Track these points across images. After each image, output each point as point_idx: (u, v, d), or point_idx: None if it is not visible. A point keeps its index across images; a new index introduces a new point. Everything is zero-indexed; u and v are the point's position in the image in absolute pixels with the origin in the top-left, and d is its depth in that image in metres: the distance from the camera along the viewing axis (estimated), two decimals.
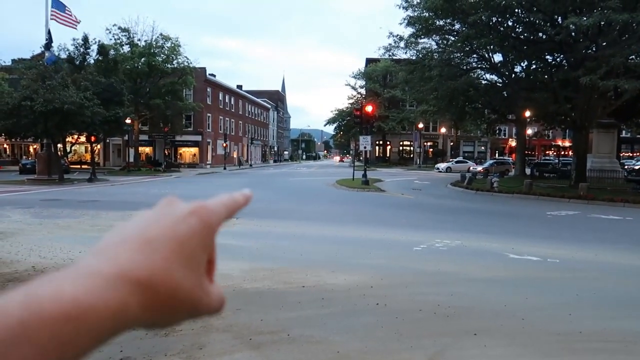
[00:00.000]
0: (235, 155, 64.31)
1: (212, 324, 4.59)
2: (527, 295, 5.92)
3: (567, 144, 57.85)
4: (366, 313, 5.06)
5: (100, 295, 0.31)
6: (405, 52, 28.23)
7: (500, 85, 29.20)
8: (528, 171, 33.33)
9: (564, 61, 23.60)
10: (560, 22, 21.01)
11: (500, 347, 4.34)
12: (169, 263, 0.35)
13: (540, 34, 23.50)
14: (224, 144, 52.57)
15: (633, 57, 20.01)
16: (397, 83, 42.97)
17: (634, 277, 7.02)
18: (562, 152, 53.90)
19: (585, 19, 18.53)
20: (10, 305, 0.28)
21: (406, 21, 25.53)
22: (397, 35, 27.45)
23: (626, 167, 26.80)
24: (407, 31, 27.00)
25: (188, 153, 55.04)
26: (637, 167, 26.34)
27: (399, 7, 25.57)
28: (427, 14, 24.66)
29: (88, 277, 0.32)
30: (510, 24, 24.34)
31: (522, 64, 27.66)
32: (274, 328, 4.53)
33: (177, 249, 0.36)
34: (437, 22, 25.07)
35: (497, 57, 27.67)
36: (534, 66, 27.35)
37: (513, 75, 27.76)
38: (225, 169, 47.40)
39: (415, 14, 25.20)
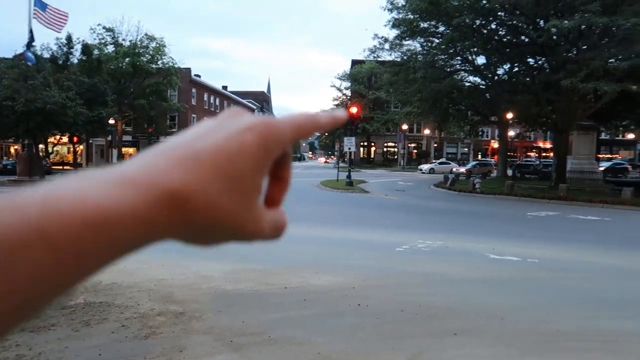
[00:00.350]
0: None
1: (193, 326, 4.57)
2: (507, 295, 6.00)
3: (548, 145, 58.69)
4: (348, 314, 5.08)
5: (127, 205, 0.29)
6: (390, 54, 28.42)
7: (484, 87, 29.53)
8: (510, 172, 33.74)
9: (546, 64, 23.96)
10: (542, 25, 21.33)
11: (480, 347, 4.39)
12: (210, 180, 0.31)
13: (523, 37, 23.85)
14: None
15: (612, 60, 20.39)
16: (381, 85, 43.16)
17: (612, 277, 7.15)
18: (543, 154, 54.69)
19: (566, 22, 18.85)
20: (28, 207, 0.26)
21: (391, 23, 25.70)
22: (382, 37, 27.62)
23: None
24: (392, 33, 27.18)
25: None
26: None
27: (384, 9, 25.74)
28: (411, 16, 24.85)
29: (117, 184, 0.29)
30: (493, 26, 24.65)
31: (504, 66, 28.03)
32: (255, 330, 4.52)
33: (222, 167, 0.32)
34: (422, 24, 25.29)
35: (481, 60, 28.00)
36: (516, 69, 27.72)
37: (496, 77, 28.09)
38: None
39: (400, 16, 25.38)
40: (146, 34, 43.27)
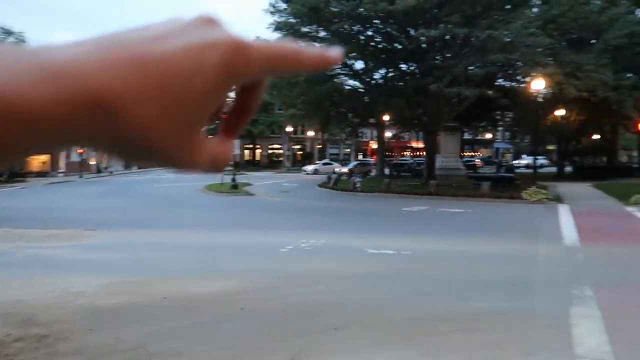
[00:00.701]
0: (93, 162, 59.32)
1: (59, 348, 4.19)
2: (384, 287, 6.37)
3: (420, 145, 63.34)
4: (231, 319, 5.02)
5: (43, 102, 0.24)
6: None
7: (362, 91, 30.99)
8: (387, 171, 35.82)
9: (416, 70, 25.85)
10: (412, 33, 22.97)
11: (360, 338, 4.61)
12: (149, 96, 0.26)
13: (396, 44, 25.47)
14: (80, 149, 48.24)
15: (472, 67, 22.61)
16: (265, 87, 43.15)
17: (476, 262, 7.92)
18: (417, 153, 58.88)
19: (432, 31, 20.54)
20: None
21: (274, 26, 25.90)
22: (265, 40, 27.65)
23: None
24: (274, 36, 27.36)
25: (36, 160, 49.35)
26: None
27: (267, 12, 25.87)
28: (293, 20, 25.27)
29: (34, 73, 0.24)
30: (370, 33, 25.97)
31: (380, 71, 29.68)
32: (130, 345, 4.27)
33: (168, 84, 0.27)
34: (303, 28, 25.81)
35: (359, 65, 29.32)
36: (391, 74, 29.53)
37: (373, 82, 29.63)
38: (81, 177, 43.51)
39: (282, 20, 25.69)
40: (2, 28, 38.69)
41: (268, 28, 26.13)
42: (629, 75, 27.69)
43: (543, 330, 4.81)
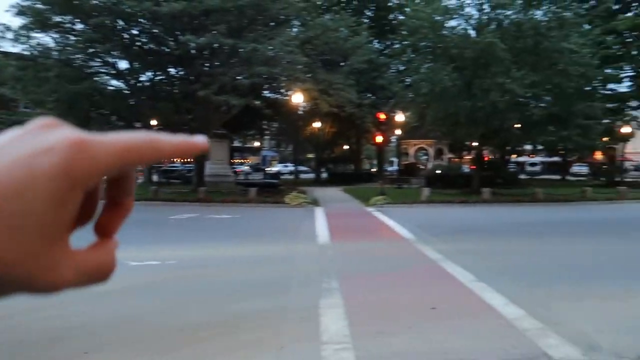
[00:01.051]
0: None
1: None
2: (147, 300, 6.08)
3: None
4: None
5: None
6: (14, 46, 24.48)
7: (127, 92, 29.04)
8: (156, 178, 34.38)
9: (185, 75, 25.50)
10: (180, 38, 22.59)
11: (114, 359, 4.29)
12: None
13: (164, 47, 24.66)
14: None
15: (239, 77, 23.43)
16: (5, 80, 36.81)
17: (240, 265, 8.19)
18: (187, 159, 58.14)
19: (201, 39, 20.58)
20: None
21: (16, 10, 22.21)
22: (3, 24, 23.50)
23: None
24: (16, 21, 23.49)
25: None
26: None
27: None
28: (41, 7, 22.13)
29: None
30: (135, 32, 24.55)
31: (148, 73, 28.30)
32: None
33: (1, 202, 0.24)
34: (54, 17, 22.84)
35: (124, 64, 27.40)
36: (159, 77, 28.43)
37: (139, 84, 28.07)
38: None
39: (27, 4, 22.23)
40: None
41: (8, 11, 22.33)
42: (368, 95, 32.90)
43: (296, 324, 5.26)
